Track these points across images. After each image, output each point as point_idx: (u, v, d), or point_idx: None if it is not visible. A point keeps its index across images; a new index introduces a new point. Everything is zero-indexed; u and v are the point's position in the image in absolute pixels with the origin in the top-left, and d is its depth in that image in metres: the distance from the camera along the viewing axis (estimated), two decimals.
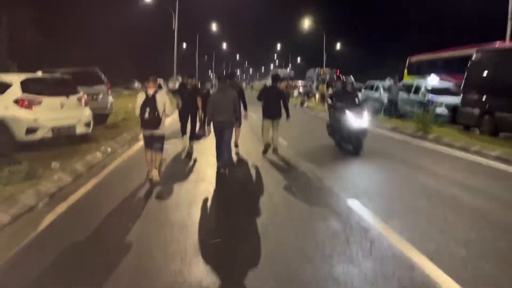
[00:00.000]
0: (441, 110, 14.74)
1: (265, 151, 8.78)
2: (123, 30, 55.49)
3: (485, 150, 8.98)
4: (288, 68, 72.73)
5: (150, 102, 6.07)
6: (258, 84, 59.19)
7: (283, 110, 9.06)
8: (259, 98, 9.15)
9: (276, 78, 9.56)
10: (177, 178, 6.66)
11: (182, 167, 7.66)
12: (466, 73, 13.30)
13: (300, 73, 58.90)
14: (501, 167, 7.85)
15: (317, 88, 28.02)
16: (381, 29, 64.54)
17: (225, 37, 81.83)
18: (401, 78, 24.69)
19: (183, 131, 9.14)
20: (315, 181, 6.61)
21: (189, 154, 8.52)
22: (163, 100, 6.22)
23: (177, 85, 16.09)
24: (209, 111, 7.12)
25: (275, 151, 8.89)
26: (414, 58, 25.90)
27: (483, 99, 12.08)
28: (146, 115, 6.03)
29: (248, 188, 6.46)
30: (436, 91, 15.95)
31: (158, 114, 6.08)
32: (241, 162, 8.28)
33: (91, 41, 44.30)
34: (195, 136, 9.07)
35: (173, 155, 8.59)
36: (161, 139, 6.35)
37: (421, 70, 24.36)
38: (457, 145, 9.92)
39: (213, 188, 6.24)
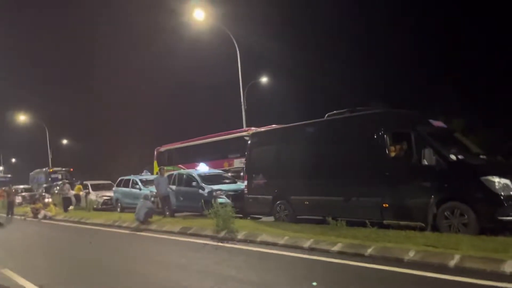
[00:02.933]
0: (223, 200, 13.12)
1: None
2: None
3: (324, 245, 7.42)
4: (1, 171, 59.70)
5: None
6: None
7: None
8: None
9: None
10: None
11: None
12: (246, 157, 12.33)
13: (18, 175, 48.92)
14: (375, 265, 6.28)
15: (58, 191, 22.45)
16: (111, 121, 62.60)
17: None
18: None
19: None
20: None
21: None
22: None
23: None
24: None
25: None
26: (163, 148, 24.69)
27: (273, 184, 11.13)
28: None
29: None
30: (208, 179, 14.46)
31: None
32: None
33: None
34: None
35: None
36: None
37: (173, 159, 23.24)
38: (282, 243, 8.09)
39: None
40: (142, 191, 17.37)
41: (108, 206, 20.38)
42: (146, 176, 19.53)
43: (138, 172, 22.80)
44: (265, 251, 7.85)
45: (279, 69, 38.74)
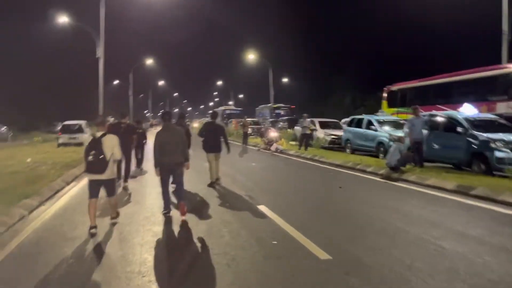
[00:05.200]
0: (504, 154, 9.74)
1: (211, 184, 9.23)
2: (37, 61, 47.55)
3: None
4: (230, 105, 67.63)
5: (96, 144, 5.68)
6: (199, 122, 53.41)
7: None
8: (200, 134, 9.55)
9: (214, 115, 10.00)
10: (124, 222, 6.15)
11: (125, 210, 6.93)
12: None
13: (244, 109, 54.02)
14: None
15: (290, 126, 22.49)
16: (324, 62, 61.64)
17: (162, 74, 75.69)
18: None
19: (118, 173, 8.70)
20: None
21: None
22: (112, 143, 5.83)
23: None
24: (155, 152, 6.49)
25: (217, 180, 9.36)
26: (396, 87, 21.63)
27: None
28: (90, 158, 5.61)
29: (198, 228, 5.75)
30: (478, 125, 11.07)
31: (104, 157, 5.64)
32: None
33: None
34: (129, 176, 9.57)
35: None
36: (110, 183, 5.95)
37: (407, 100, 20.05)
38: None
39: (163, 230, 5.79)
40: (378, 133, 15.30)
41: (335, 145, 19.23)
42: (383, 116, 17.24)
43: (346, 114, 20.24)
44: None
45: None
